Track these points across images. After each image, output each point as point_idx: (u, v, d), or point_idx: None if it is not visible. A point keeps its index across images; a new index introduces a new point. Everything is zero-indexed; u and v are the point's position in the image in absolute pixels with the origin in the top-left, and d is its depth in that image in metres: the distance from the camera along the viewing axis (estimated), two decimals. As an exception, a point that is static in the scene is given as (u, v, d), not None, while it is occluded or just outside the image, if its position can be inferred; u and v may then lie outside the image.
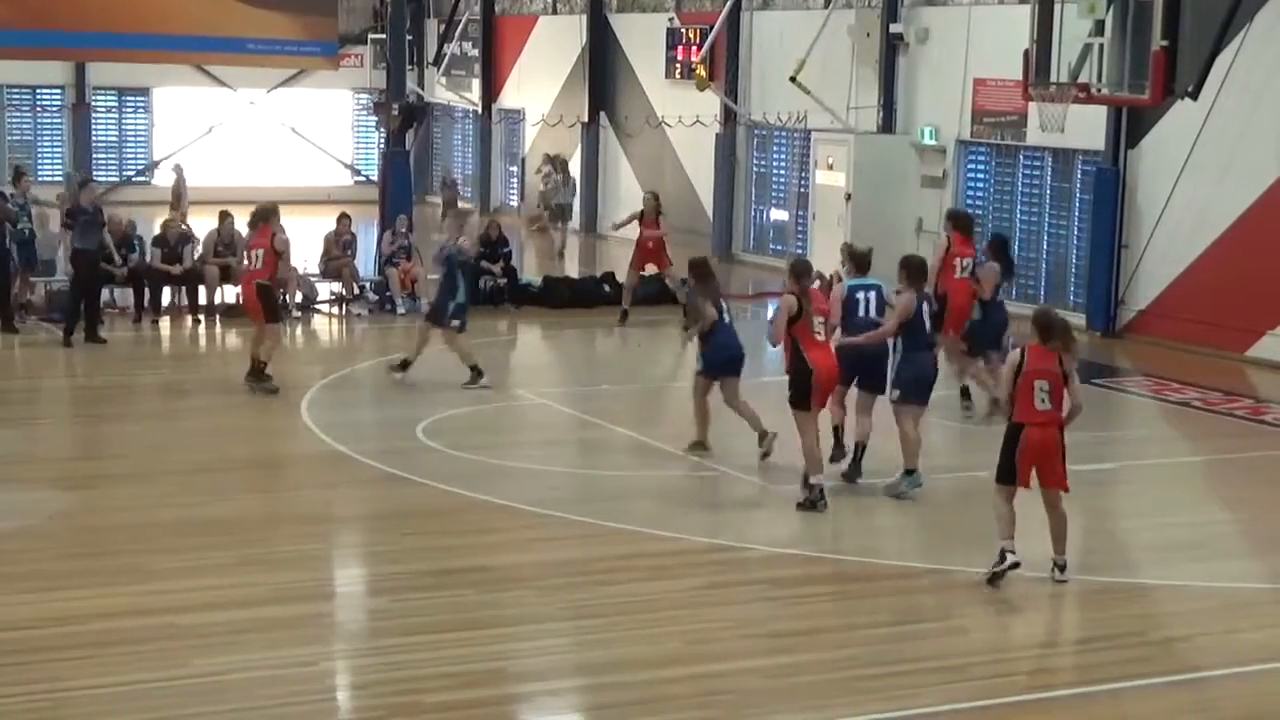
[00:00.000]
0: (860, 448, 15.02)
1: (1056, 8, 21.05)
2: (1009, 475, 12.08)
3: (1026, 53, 21.37)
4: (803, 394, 14.11)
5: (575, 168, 37.06)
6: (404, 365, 19.26)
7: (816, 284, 15.07)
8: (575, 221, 35.55)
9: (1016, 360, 12.12)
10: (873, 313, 15.02)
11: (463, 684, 9.95)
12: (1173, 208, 22.98)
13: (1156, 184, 23.34)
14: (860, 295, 15.11)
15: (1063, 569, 12.11)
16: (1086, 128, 23.12)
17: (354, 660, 10.59)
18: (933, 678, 10.17)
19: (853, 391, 15.13)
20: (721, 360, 15.81)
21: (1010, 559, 11.91)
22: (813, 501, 14.01)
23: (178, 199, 33.22)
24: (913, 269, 14.86)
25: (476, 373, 18.83)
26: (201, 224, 25.42)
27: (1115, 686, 10.17)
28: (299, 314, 24.05)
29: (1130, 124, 23.63)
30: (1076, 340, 12.74)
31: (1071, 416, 12.09)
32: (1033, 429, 11.96)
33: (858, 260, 15.37)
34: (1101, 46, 20.40)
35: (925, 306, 14.81)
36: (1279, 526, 14.26)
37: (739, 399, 15.87)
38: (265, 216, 19.09)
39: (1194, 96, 20.58)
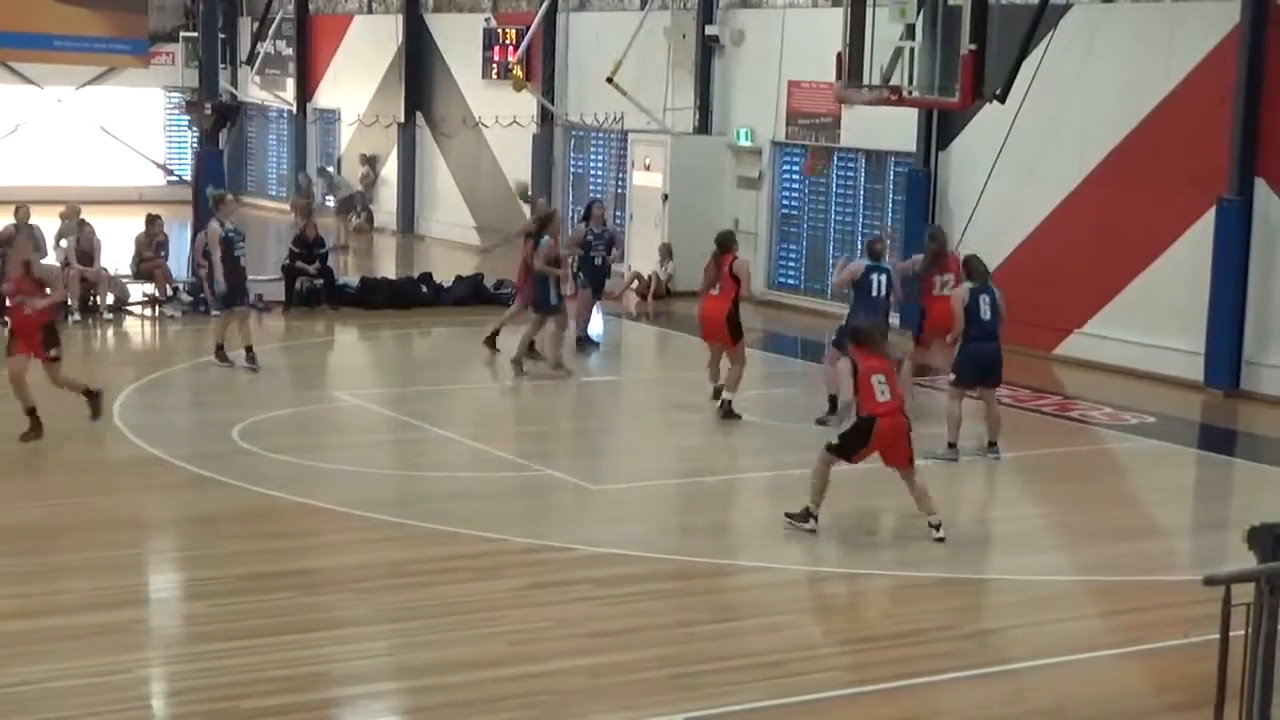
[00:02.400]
0: None
1: (869, 11, 21.32)
2: (842, 451, 13.18)
3: (839, 55, 21.64)
4: None
5: (391, 168, 36.88)
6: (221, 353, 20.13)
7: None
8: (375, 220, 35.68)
9: (851, 363, 13.43)
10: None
11: (282, 689, 9.84)
12: (982, 209, 23.43)
13: (966, 185, 23.79)
14: (982, 299, 16.49)
15: (938, 527, 13.15)
16: (898, 130, 23.48)
17: (169, 667, 10.40)
18: (752, 674, 10.27)
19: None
20: None
21: (812, 524, 13.09)
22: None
23: None
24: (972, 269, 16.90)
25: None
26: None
27: (931, 679, 10.36)
28: (110, 316, 23.61)
29: (941, 126, 24.06)
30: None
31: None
32: (885, 419, 13.02)
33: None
34: (912, 50, 20.71)
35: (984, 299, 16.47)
36: (1087, 520, 14.61)
37: None
38: None
39: (1002, 100, 21.01)
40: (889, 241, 19.89)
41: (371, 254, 33.28)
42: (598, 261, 22.35)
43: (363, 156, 37.30)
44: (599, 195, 29.18)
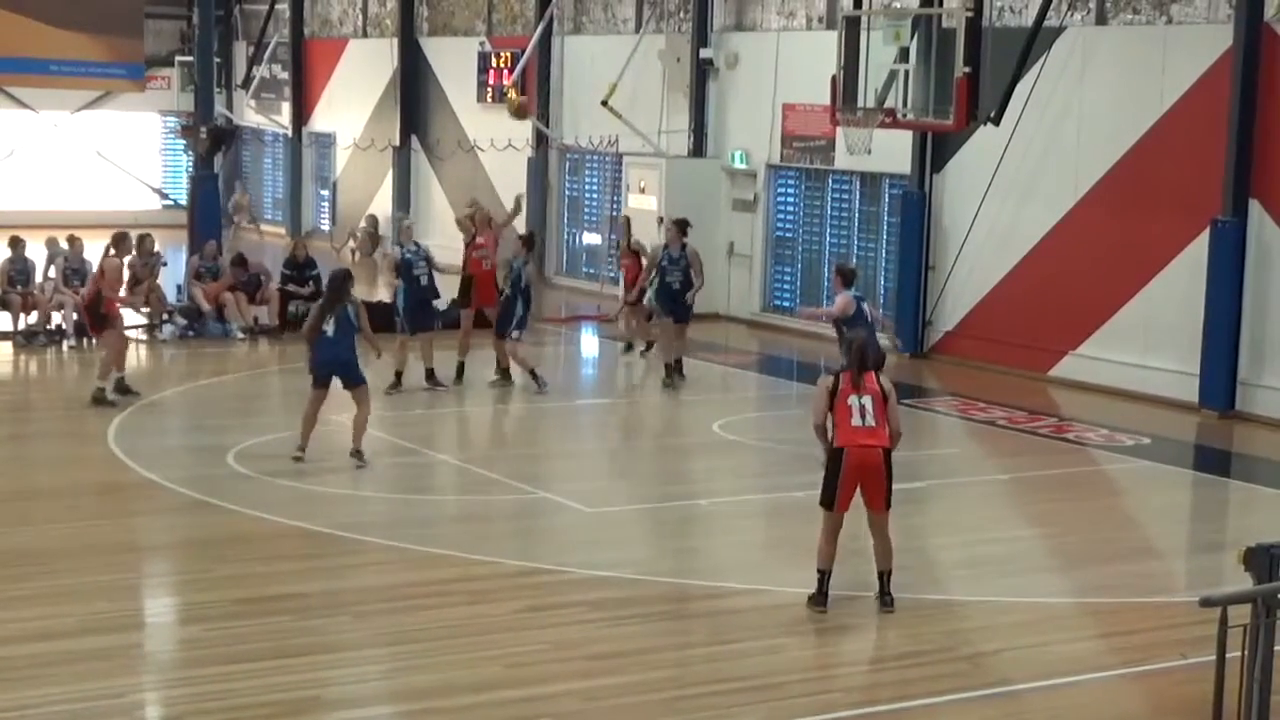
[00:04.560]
0: None
1: (863, 34, 21.40)
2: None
3: (834, 78, 21.69)
4: None
5: (386, 192, 36.87)
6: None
7: None
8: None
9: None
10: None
11: (278, 713, 9.82)
12: (977, 231, 23.47)
13: (961, 207, 23.82)
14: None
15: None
16: (893, 152, 23.53)
17: (165, 691, 10.39)
18: (750, 696, 10.25)
19: None
20: (321, 372, 16.57)
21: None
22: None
23: None
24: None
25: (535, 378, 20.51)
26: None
27: (929, 702, 10.34)
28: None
29: (935, 149, 24.10)
30: None
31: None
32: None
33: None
34: (907, 73, 20.81)
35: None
36: (1083, 541, 14.61)
37: (360, 408, 16.58)
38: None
39: (996, 122, 21.06)
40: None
41: (366, 278, 33.23)
42: (675, 286, 21.56)
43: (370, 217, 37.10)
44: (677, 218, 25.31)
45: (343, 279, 16.91)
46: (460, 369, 20.79)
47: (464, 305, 21.34)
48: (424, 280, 20.49)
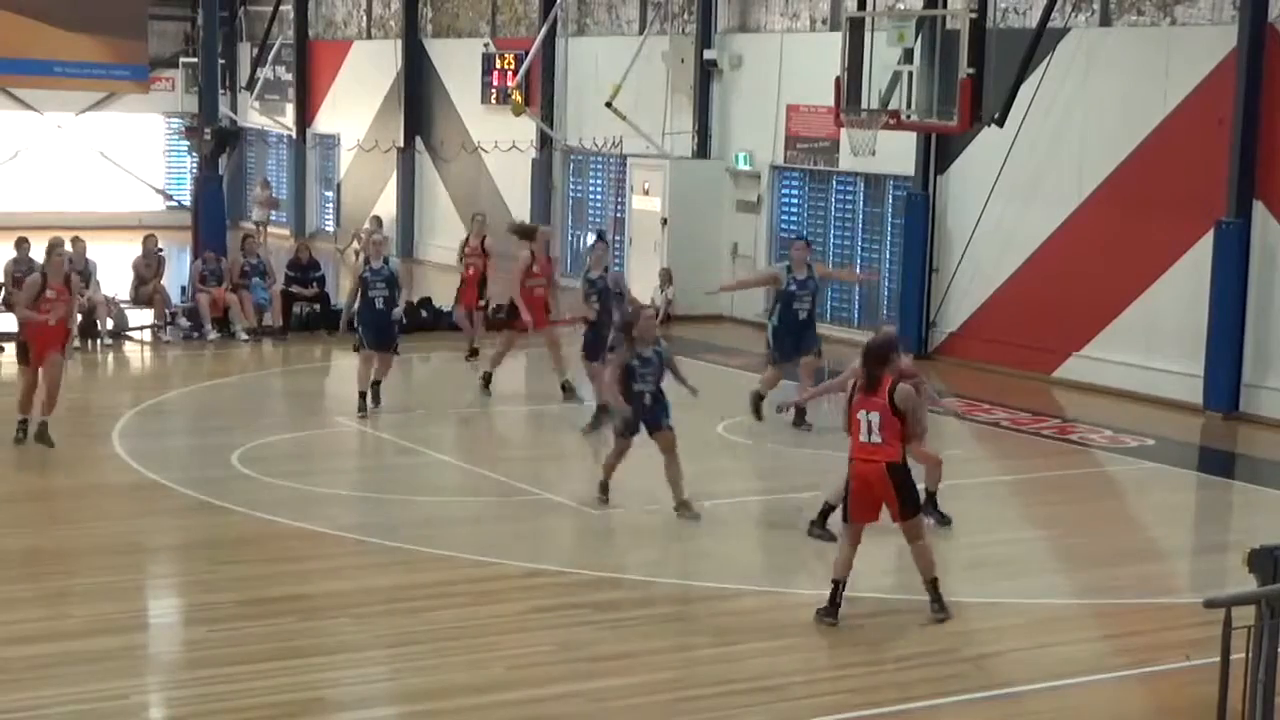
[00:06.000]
0: None
1: (867, 36, 21.39)
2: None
3: (838, 80, 21.68)
4: None
5: (391, 193, 36.86)
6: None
7: None
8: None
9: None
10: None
11: (283, 714, 9.82)
12: (981, 232, 23.46)
13: (965, 209, 23.81)
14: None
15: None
16: (897, 153, 23.52)
17: (169, 692, 10.40)
18: (754, 698, 10.25)
19: None
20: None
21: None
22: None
23: None
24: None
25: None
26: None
27: (932, 703, 10.34)
28: (110, 341, 23.59)
29: (939, 150, 24.08)
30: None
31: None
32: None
33: None
34: (911, 74, 20.79)
35: None
36: (1087, 543, 14.60)
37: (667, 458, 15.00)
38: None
39: (1000, 124, 21.04)
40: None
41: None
42: (802, 316, 18.60)
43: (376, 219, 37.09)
44: (799, 235, 23.40)
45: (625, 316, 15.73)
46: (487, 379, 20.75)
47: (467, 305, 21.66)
48: (379, 304, 19.59)
